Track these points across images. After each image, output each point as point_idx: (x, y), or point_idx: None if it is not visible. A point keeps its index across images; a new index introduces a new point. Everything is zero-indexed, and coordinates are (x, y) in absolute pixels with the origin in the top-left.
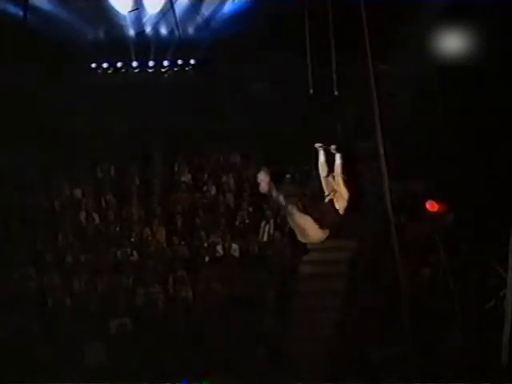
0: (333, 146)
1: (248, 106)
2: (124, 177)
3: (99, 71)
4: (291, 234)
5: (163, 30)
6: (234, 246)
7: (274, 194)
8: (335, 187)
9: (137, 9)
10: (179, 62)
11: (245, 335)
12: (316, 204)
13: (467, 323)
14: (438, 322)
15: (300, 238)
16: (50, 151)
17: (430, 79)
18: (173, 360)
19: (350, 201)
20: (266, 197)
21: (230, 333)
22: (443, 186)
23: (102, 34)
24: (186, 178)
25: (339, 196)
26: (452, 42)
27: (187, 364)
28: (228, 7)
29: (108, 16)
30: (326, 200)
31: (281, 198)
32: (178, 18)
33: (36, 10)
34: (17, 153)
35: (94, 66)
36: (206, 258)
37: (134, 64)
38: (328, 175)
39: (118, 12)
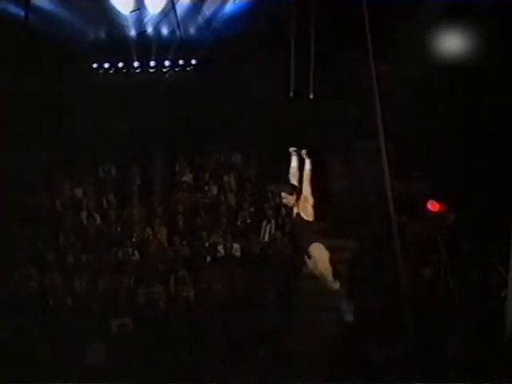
0: (303, 151)
1: (249, 106)
2: (125, 177)
3: (100, 71)
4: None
5: (164, 30)
6: (236, 245)
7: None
8: (304, 192)
9: (138, 9)
10: (180, 62)
11: (246, 335)
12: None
13: (467, 323)
14: (438, 321)
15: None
16: (52, 151)
17: (430, 79)
18: (174, 360)
19: (316, 207)
20: (266, 197)
21: (230, 332)
22: (444, 185)
23: (103, 34)
24: (188, 177)
25: (304, 201)
26: (452, 42)
27: (188, 364)
28: (229, 7)
29: (109, 16)
30: (294, 215)
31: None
32: (179, 18)
33: (37, 9)
34: (19, 153)
35: (95, 66)
36: (208, 258)
37: (136, 64)
38: (299, 180)
39: (119, 12)
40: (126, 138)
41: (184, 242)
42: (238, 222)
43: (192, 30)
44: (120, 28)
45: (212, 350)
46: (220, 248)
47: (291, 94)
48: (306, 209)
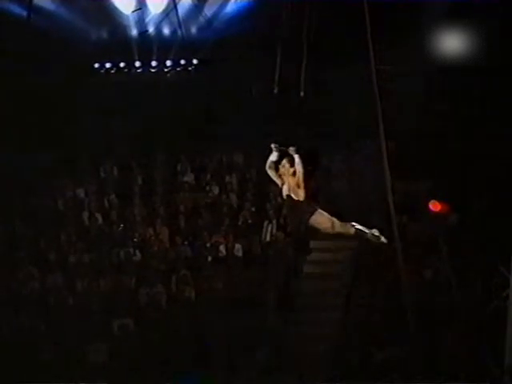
0: (292, 148)
1: (249, 106)
2: (127, 177)
3: (102, 71)
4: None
5: (166, 30)
6: (237, 245)
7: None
8: (293, 185)
9: (140, 9)
10: (182, 61)
11: (247, 335)
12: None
13: (469, 323)
14: (439, 322)
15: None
16: (54, 151)
17: (431, 79)
18: (175, 360)
19: (307, 191)
20: (268, 197)
21: (232, 332)
22: (446, 185)
23: (104, 34)
24: (189, 178)
25: (295, 187)
26: (453, 42)
27: (189, 364)
28: (230, 7)
29: (111, 16)
30: (285, 196)
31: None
32: (180, 18)
33: (39, 9)
34: (20, 153)
35: (96, 65)
36: (209, 258)
37: (137, 64)
38: (277, 173)
39: (121, 12)
40: (127, 138)
41: (185, 242)
42: (240, 222)
43: (193, 30)
44: (122, 28)
45: (213, 350)
46: (222, 248)
47: (275, 91)
48: (297, 192)
